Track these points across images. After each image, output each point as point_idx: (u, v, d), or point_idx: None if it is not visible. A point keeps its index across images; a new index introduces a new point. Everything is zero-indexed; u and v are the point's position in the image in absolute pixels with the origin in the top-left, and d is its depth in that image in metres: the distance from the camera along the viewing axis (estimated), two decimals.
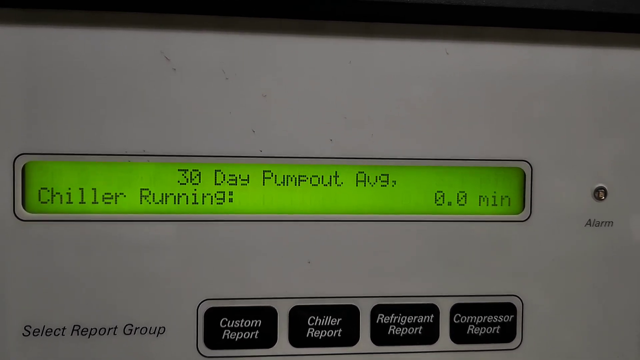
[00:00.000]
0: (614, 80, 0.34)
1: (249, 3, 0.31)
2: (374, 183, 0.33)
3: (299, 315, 0.33)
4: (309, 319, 0.33)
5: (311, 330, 0.33)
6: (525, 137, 0.34)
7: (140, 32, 0.31)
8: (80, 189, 0.32)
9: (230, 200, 0.32)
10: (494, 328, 0.34)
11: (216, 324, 0.33)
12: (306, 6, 0.31)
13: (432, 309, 0.34)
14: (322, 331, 0.33)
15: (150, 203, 0.32)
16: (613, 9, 0.33)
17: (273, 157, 0.32)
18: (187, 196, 0.32)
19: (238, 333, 0.33)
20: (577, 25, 0.33)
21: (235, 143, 0.32)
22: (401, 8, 0.32)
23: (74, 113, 0.31)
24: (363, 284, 0.33)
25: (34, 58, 0.31)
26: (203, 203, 0.32)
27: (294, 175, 0.33)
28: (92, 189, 0.32)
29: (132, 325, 0.32)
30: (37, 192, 0.32)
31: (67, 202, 0.32)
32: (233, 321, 0.33)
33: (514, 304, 0.34)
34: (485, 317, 0.34)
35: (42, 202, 0.32)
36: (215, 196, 0.32)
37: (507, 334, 0.34)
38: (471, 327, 0.34)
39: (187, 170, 0.32)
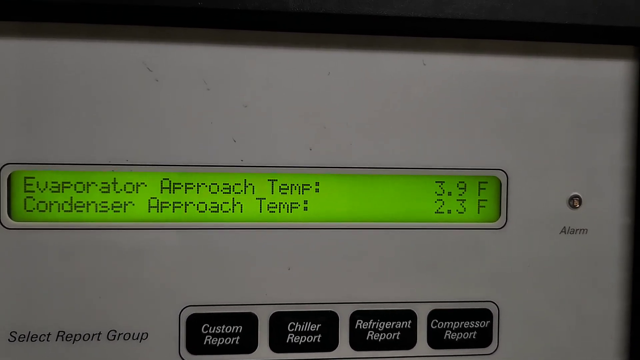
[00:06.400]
0: (589, 89, 0.35)
1: (230, 16, 0.32)
2: (353, 191, 0.34)
3: (279, 321, 0.34)
4: (289, 325, 0.34)
5: (291, 336, 0.34)
6: (501, 146, 0.34)
7: (122, 44, 0.32)
8: (64, 197, 0.32)
9: (211, 209, 0.33)
10: (471, 333, 0.35)
11: (198, 330, 0.33)
12: (287, 20, 0.32)
13: (410, 315, 0.34)
14: (302, 337, 0.34)
15: (133, 212, 0.33)
16: (587, 20, 0.33)
17: (254, 166, 0.33)
18: (169, 204, 0.33)
19: (219, 339, 0.33)
20: (552, 36, 0.34)
21: (216, 153, 0.33)
22: (380, 21, 0.32)
23: (59, 123, 0.32)
24: (342, 290, 0.34)
25: (17, 70, 0.31)
26: (185, 212, 0.33)
27: (274, 184, 0.33)
28: (77, 198, 0.32)
29: (116, 331, 0.33)
30: (23, 201, 0.32)
31: (52, 211, 0.32)
32: (214, 327, 0.33)
33: (490, 309, 0.35)
34: (461, 323, 0.35)
35: (27, 211, 0.32)
36: (197, 205, 0.33)
37: (483, 339, 0.35)
38: (448, 333, 0.35)
39: (169, 179, 0.33)
